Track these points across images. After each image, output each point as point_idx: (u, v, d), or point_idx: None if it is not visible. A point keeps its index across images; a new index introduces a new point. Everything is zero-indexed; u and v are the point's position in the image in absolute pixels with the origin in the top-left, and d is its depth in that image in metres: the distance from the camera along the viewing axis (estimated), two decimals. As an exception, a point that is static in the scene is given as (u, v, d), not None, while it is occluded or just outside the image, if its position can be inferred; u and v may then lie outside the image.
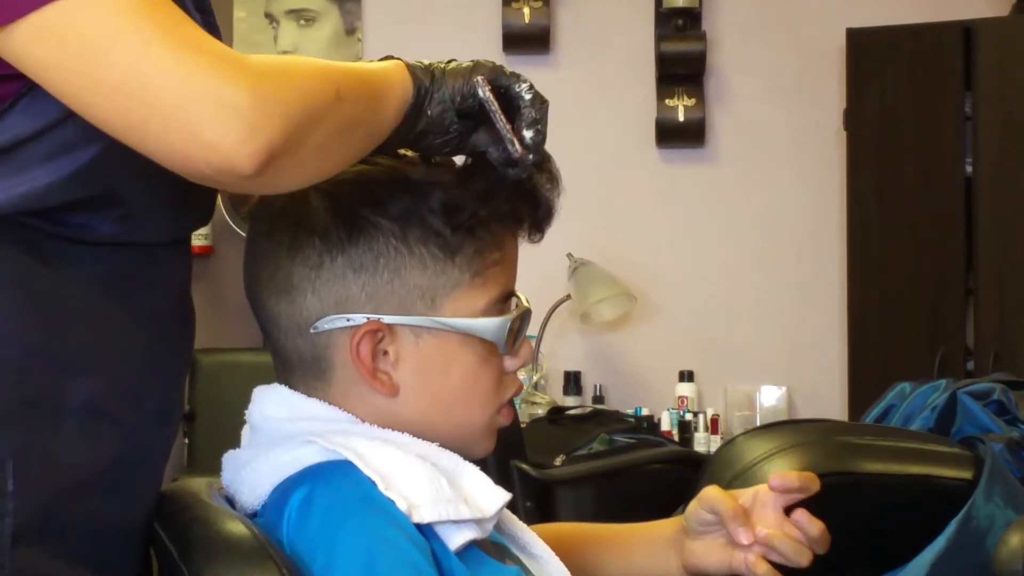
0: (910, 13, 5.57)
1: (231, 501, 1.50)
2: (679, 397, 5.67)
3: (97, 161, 1.31)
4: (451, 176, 1.47)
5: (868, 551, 2.49)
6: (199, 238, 5.58)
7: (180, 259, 1.48)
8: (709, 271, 5.89)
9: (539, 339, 5.57)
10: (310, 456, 1.42)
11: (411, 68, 1.40)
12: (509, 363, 1.53)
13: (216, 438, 4.79)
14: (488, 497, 1.44)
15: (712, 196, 5.90)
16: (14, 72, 1.24)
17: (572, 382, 5.75)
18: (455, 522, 1.39)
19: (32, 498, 1.30)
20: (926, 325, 5.37)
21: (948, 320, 5.35)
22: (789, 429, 2.58)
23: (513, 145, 1.42)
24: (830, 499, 2.45)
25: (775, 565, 1.63)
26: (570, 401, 5.61)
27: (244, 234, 1.57)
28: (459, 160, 1.50)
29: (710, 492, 1.66)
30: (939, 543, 2.42)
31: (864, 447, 2.54)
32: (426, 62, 1.42)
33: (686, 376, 5.72)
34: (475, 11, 5.87)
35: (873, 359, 5.43)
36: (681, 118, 5.85)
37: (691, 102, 5.84)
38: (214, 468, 1.55)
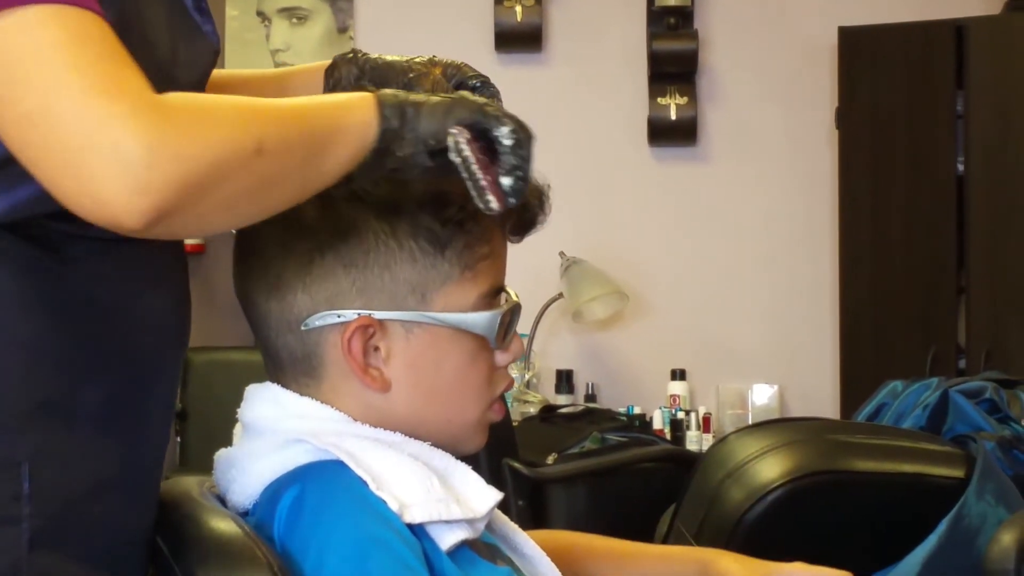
0: (902, 12, 5.58)
1: (223, 500, 1.50)
2: (671, 395, 5.67)
3: None
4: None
5: (860, 549, 2.50)
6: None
7: (177, 258, 1.49)
8: (701, 269, 5.89)
9: (531, 337, 5.57)
10: (302, 455, 1.42)
11: (380, 107, 1.33)
12: (500, 358, 1.53)
13: (208, 437, 4.78)
14: (480, 497, 1.44)
15: (704, 195, 5.90)
16: None
17: (564, 380, 5.75)
18: (446, 522, 1.39)
19: (48, 501, 1.30)
20: (918, 323, 5.37)
21: (940, 318, 5.36)
22: (781, 427, 2.59)
23: (485, 199, 1.35)
24: (821, 498, 2.46)
25: None
26: (562, 399, 5.61)
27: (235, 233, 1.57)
28: None
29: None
30: (931, 541, 2.42)
31: (856, 445, 2.54)
32: (402, 95, 1.35)
33: (678, 374, 5.72)
34: (467, 9, 5.87)
35: (865, 357, 5.44)
36: (673, 116, 5.84)
37: (683, 100, 5.84)
38: (206, 467, 1.55)
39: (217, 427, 1.65)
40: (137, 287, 1.40)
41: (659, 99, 5.85)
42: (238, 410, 1.54)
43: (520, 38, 5.84)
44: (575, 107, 5.86)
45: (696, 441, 5.40)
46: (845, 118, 5.53)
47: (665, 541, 2.61)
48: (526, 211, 1.53)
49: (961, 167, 5.31)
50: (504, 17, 5.81)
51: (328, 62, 1.66)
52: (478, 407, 1.53)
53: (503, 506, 1.53)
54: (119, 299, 1.38)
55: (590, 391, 5.76)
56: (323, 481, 1.39)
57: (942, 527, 2.42)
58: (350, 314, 1.45)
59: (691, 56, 5.81)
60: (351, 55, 1.61)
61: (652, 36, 5.82)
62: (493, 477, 3.49)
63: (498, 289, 1.52)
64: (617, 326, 5.87)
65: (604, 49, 5.91)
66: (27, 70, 1.15)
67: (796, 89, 5.86)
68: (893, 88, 5.44)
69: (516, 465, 3.63)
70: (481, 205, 1.36)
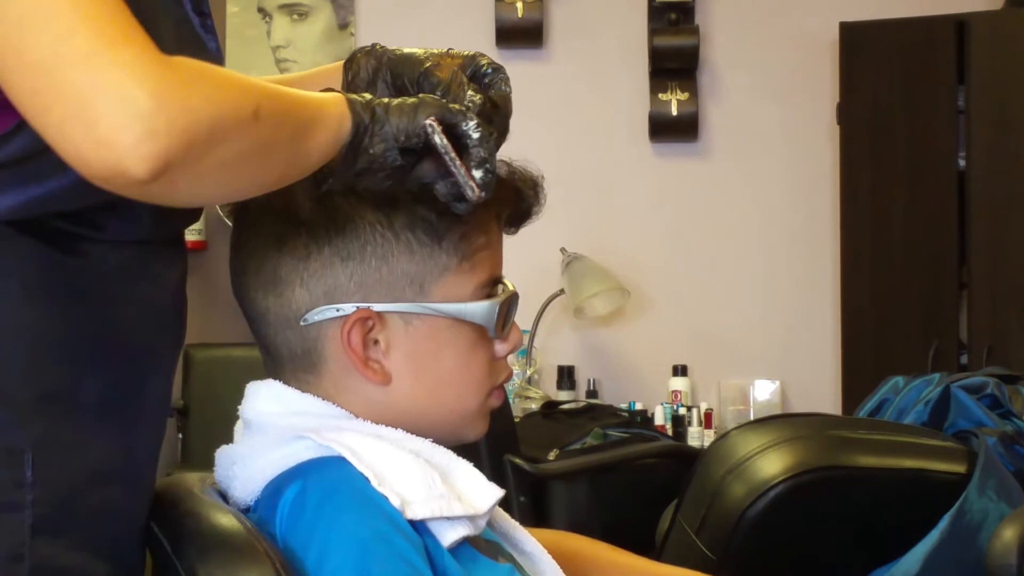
0: (903, 7, 5.58)
1: (224, 496, 1.50)
2: (672, 391, 5.66)
3: None
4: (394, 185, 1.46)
5: (862, 545, 2.50)
6: (192, 233, 5.58)
7: (178, 255, 1.49)
8: (703, 265, 5.89)
9: (532, 334, 5.57)
10: (303, 452, 1.42)
11: (351, 103, 1.35)
12: (499, 348, 1.53)
13: (209, 433, 4.79)
14: (481, 494, 1.44)
15: (705, 190, 5.90)
16: None
17: (566, 377, 5.75)
18: (448, 519, 1.39)
19: (50, 489, 1.32)
20: (919, 319, 5.37)
21: (941, 314, 5.36)
22: (782, 423, 2.59)
23: (472, 190, 1.37)
24: (823, 493, 2.46)
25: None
26: (564, 396, 5.61)
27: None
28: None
29: None
30: (932, 537, 2.42)
31: (857, 441, 2.54)
32: (367, 97, 1.37)
33: (679, 370, 5.71)
34: (468, 5, 5.87)
35: (866, 353, 5.44)
36: (674, 112, 5.84)
37: (684, 96, 5.84)
38: (207, 463, 1.55)
39: (218, 423, 1.66)
40: (139, 284, 1.41)
41: (660, 95, 5.85)
42: (239, 407, 1.54)
43: (521, 34, 5.84)
44: (576, 103, 5.86)
45: (698, 437, 5.40)
46: (846, 113, 5.53)
47: (667, 537, 2.62)
48: (522, 202, 1.53)
49: (962, 162, 5.31)
50: (505, 13, 5.81)
51: (339, 62, 1.66)
52: (478, 397, 1.53)
53: (504, 503, 1.53)
54: (121, 295, 1.39)
55: (591, 387, 5.77)
56: (325, 477, 1.39)
57: (944, 523, 2.42)
58: (349, 307, 1.45)
59: (692, 52, 5.81)
60: (370, 48, 1.62)
61: (653, 32, 5.82)
62: (495, 473, 3.49)
63: (496, 279, 1.52)
64: (618, 322, 5.87)
65: (605, 45, 5.91)
66: (38, 19, 1.16)
67: (797, 84, 5.86)
68: (894, 83, 5.44)
69: (518, 461, 3.64)
70: (467, 193, 1.38)
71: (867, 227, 5.48)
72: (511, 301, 1.53)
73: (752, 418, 4.93)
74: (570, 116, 5.81)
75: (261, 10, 5.98)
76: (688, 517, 2.53)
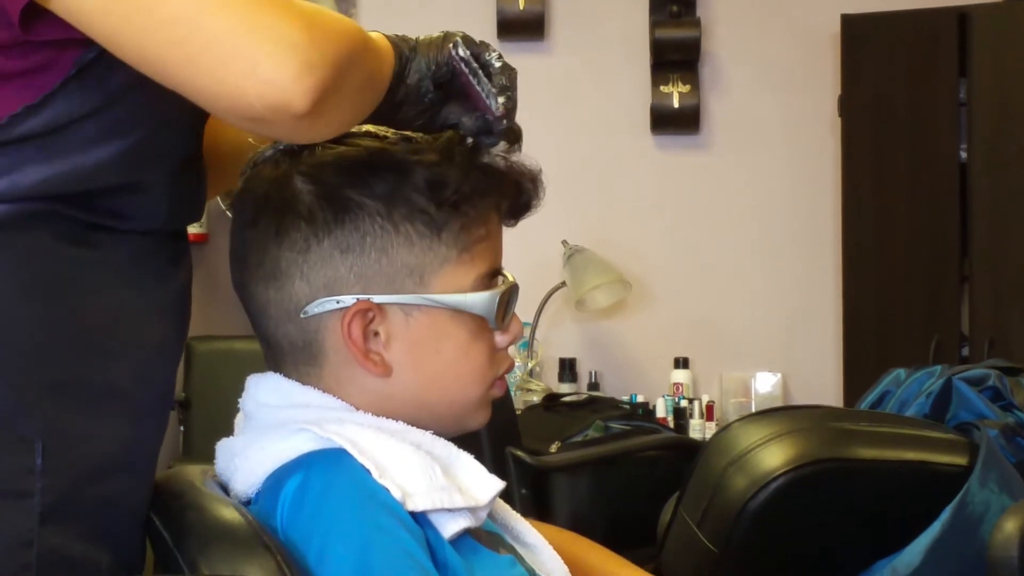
0: (905, -1, 5.58)
1: (225, 488, 1.50)
2: (674, 384, 5.67)
3: (129, 151, 1.34)
4: (433, 154, 1.47)
5: (863, 537, 2.50)
6: (193, 226, 5.56)
7: (182, 251, 1.51)
8: (704, 258, 5.89)
9: (534, 326, 5.56)
10: (304, 444, 1.42)
11: (390, 39, 1.42)
12: (500, 339, 1.53)
13: (211, 425, 4.78)
14: (482, 485, 1.44)
15: (707, 183, 5.89)
16: (67, 38, 1.26)
17: (567, 369, 5.75)
18: (449, 510, 1.39)
19: (59, 477, 1.33)
20: (921, 312, 5.37)
21: (943, 306, 5.36)
22: (784, 416, 2.58)
23: (495, 100, 1.44)
24: (825, 485, 2.46)
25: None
26: (565, 388, 5.61)
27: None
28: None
29: None
30: (934, 529, 2.42)
31: (859, 433, 2.54)
32: (404, 36, 1.44)
33: (681, 363, 5.72)
34: (470, -3, 5.87)
35: (868, 345, 5.44)
36: (676, 105, 5.84)
37: (686, 89, 5.84)
38: (209, 455, 1.55)
39: (220, 416, 1.66)
40: (147, 277, 1.42)
41: (662, 87, 5.84)
42: (240, 399, 1.54)
43: (523, 26, 5.83)
44: (577, 95, 5.86)
45: (699, 429, 5.40)
46: (848, 106, 5.52)
47: (668, 530, 2.62)
48: (521, 194, 1.53)
49: (964, 155, 5.30)
50: (506, 5, 5.80)
51: None
52: (480, 388, 1.53)
53: (506, 495, 1.53)
54: (130, 287, 1.40)
55: (593, 379, 5.77)
56: (326, 469, 1.39)
57: (945, 515, 2.42)
58: (349, 299, 1.46)
59: (694, 44, 5.80)
60: None
61: (655, 24, 5.81)
62: (496, 465, 3.49)
63: (496, 271, 1.53)
64: (620, 314, 5.87)
65: (606, 37, 5.91)
66: None
67: (799, 77, 5.86)
68: (896, 75, 5.43)
69: (519, 453, 3.64)
70: (492, 105, 1.44)
71: (869, 219, 5.47)
72: (511, 292, 1.53)
73: (753, 410, 4.94)
74: (571, 108, 5.80)
75: (262, 2, 5.97)
76: (690, 509, 2.53)
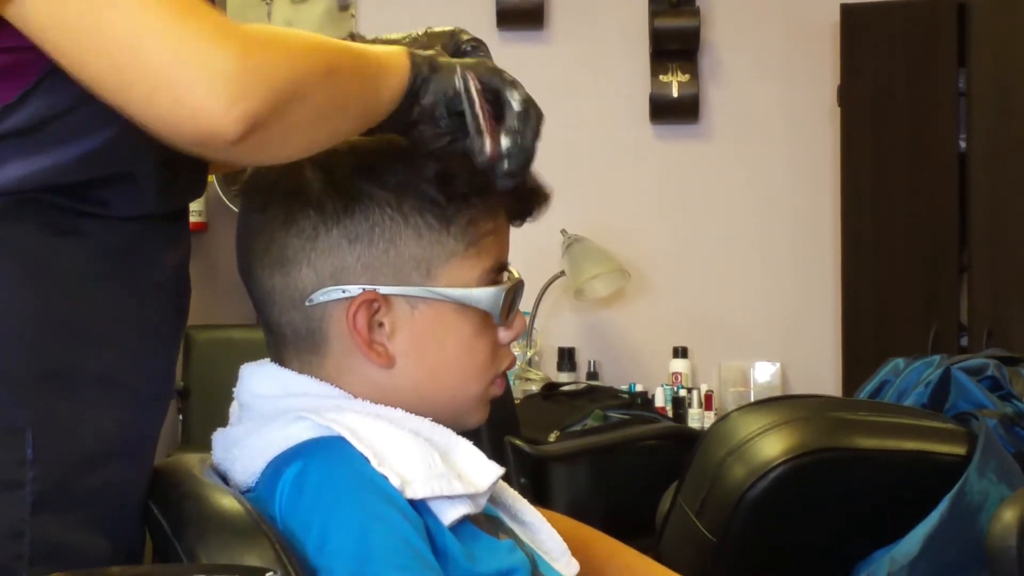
0: (904, -11, 5.57)
1: (224, 478, 1.50)
2: (673, 373, 5.67)
3: (114, 141, 1.33)
4: (444, 147, 1.47)
5: (862, 527, 2.50)
6: (193, 214, 5.57)
7: (180, 234, 1.50)
8: (703, 247, 5.89)
9: (533, 315, 5.57)
10: (303, 432, 1.42)
11: (412, 56, 1.39)
12: (503, 335, 1.53)
13: (210, 415, 4.78)
14: (481, 472, 1.44)
15: (706, 172, 5.89)
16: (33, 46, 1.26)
17: (566, 358, 5.75)
18: (448, 497, 1.39)
19: (51, 467, 1.33)
20: (920, 301, 5.37)
21: (942, 296, 5.36)
22: (783, 405, 2.59)
23: (481, 142, 1.40)
24: (824, 475, 2.46)
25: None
26: (564, 377, 5.62)
27: (238, 210, 1.57)
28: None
29: None
30: (933, 519, 2.43)
31: (858, 423, 2.54)
32: (431, 53, 1.42)
33: (680, 352, 5.72)
34: (469, -13, 5.86)
35: (867, 335, 5.44)
36: (675, 94, 5.84)
37: (685, 78, 5.84)
38: (208, 445, 1.55)
39: (219, 405, 1.66)
40: (139, 263, 1.42)
41: (661, 76, 5.84)
42: (234, 389, 1.54)
43: (522, 15, 5.83)
44: (577, 84, 5.85)
45: (698, 419, 5.40)
46: (847, 96, 5.52)
47: (667, 519, 2.62)
48: (527, 200, 1.53)
49: (963, 145, 5.30)
50: (506, -5, 5.80)
51: None
52: (481, 383, 1.53)
53: (505, 480, 1.53)
54: (121, 274, 1.40)
55: (592, 369, 5.77)
56: (325, 458, 1.39)
57: (944, 504, 2.43)
58: (355, 289, 1.45)
59: (693, 33, 5.80)
60: (348, 38, 1.63)
61: (654, 13, 5.81)
62: (495, 454, 3.48)
63: (502, 266, 1.52)
64: (619, 304, 5.87)
65: (606, 26, 5.90)
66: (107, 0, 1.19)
67: (798, 67, 5.86)
68: (895, 66, 5.43)
69: (518, 443, 3.64)
70: (475, 147, 1.40)
71: (868, 209, 5.47)
72: (517, 288, 1.53)
73: (752, 400, 4.94)
74: (571, 98, 5.80)
75: (262, -9, 5.97)
76: (688, 499, 2.54)
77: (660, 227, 5.88)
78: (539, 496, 3.62)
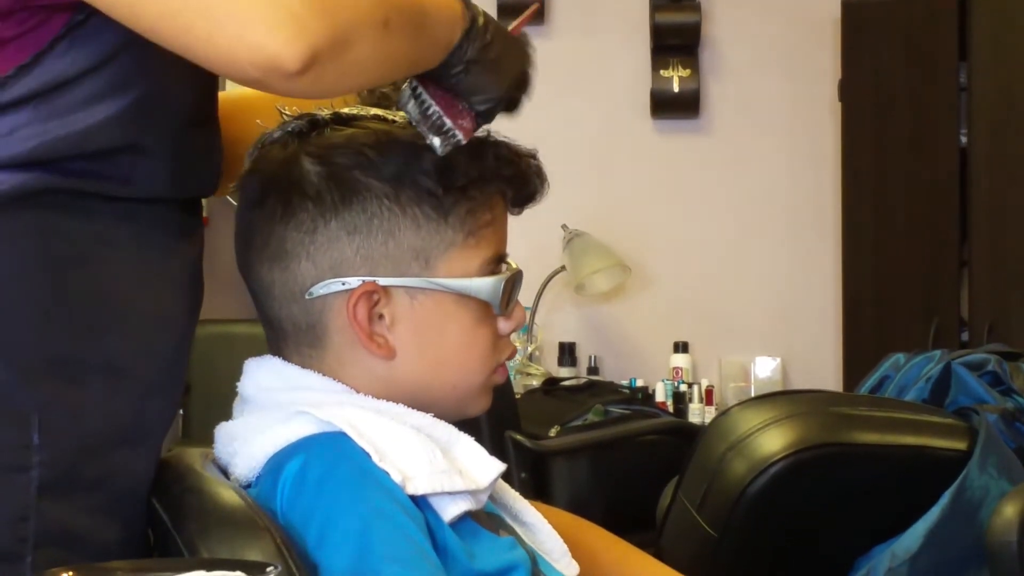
0: (905, -17, 5.57)
1: (225, 472, 1.50)
2: (673, 368, 5.67)
3: (127, 111, 1.35)
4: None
5: (862, 522, 2.50)
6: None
7: (193, 226, 1.50)
8: (704, 242, 5.88)
9: (533, 310, 5.56)
10: (304, 427, 1.42)
11: (467, 9, 1.42)
12: (503, 325, 1.54)
13: (211, 409, 4.78)
14: (482, 468, 1.44)
15: (707, 167, 5.89)
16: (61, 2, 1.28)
17: (567, 353, 5.75)
18: (449, 494, 1.39)
19: (57, 452, 1.34)
20: (920, 296, 5.37)
21: (943, 291, 5.36)
22: (783, 400, 2.59)
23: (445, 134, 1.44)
24: (824, 470, 2.46)
25: None
26: (565, 372, 5.62)
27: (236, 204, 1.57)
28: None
29: None
30: (933, 514, 2.42)
31: (858, 418, 2.54)
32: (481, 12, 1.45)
33: (681, 347, 5.72)
34: (469, -19, 5.85)
35: (867, 330, 5.43)
36: (676, 89, 5.83)
37: (686, 73, 5.83)
38: (209, 439, 1.55)
39: (220, 400, 1.66)
40: (151, 252, 1.42)
41: (662, 71, 5.84)
42: (238, 383, 1.54)
43: (522, 10, 5.80)
44: (578, 79, 5.85)
45: (699, 414, 5.40)
46: (848, 91, 5.52)
47: (668, 514, 2.62)
48: (527, 182, 1.53)
49: (964, 140, 5.30)
50: (506, -11, 5.80)
51: None
52: (482, 373, 1.53)
53: (505, 479, 1.53)
54: (132, 262, 1.40)
55: (593, 364, 5.77)
56: (326, 453, 1.39)
57: (944, 500, 2.43)
58: (354, 281, 1.46)
59: (694, 28, 5.80)
60: None
61: (655, 8, 5.81)
62: (496, 449, 3.49)
63: (500, 257, 1.53)
64: (619, 299, 5.87)
65: (606, 21, 5.90)
66: None
67: (799, 61, 5.85)
68: (896, 60, 5.43)
69: (519, 438, 3.64)
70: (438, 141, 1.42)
71: (868, 204, 5.47)
72: (516, 278, 1.53)
73: (753, 395, 4.94)
74: (572, 93, 5.79)
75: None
76: (689, 494, 2.53)
77: (661, 222, 5.88)
78: (540, 491, 3.62)
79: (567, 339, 5.80)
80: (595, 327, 5.91)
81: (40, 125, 1.31)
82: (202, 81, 1.44)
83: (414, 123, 1.42)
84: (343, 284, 1.46)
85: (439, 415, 1.49)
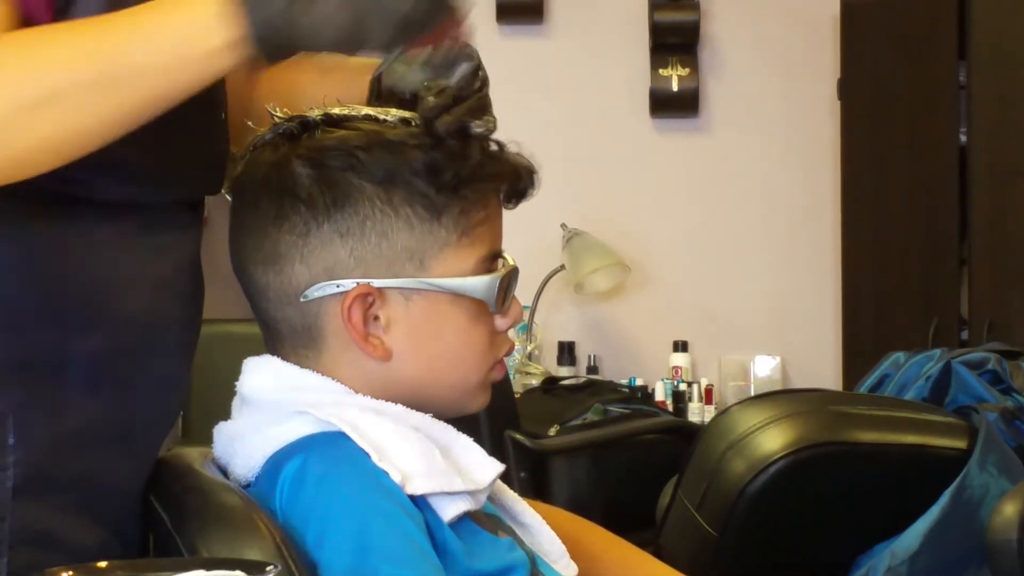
0: (905, -18, 5.57)
1: (224, 472, 1.50)
2: (673, 367, 5.66)
3: None
4: (431, 137, 1.46)
5: (862, 520, 2.50)
6: (192, 209, 5.57)
7: (188, 230, 1.51)
8: (703, 241, 5.88)
9: (533, 309, 5.56)
10: (304, 427, 1.42)
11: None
12: (500, 322, 1.53)
13: (210, 409, 4.77)
14: (481, 469, 1.44)
15: (706, 166, 5.89)
16: None
17: (566, 352, 5.75)
18: (448, 494, 1.39)
19: (33, 452, 1.33)
20: (920, 295, 5.37)
21: (942, 290, 5.35)
22: (783, 399, 2.59)
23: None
24: (824, 469, 2.46)
25: None
26: (564, 371, 5.62)
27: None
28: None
29: None
30: (933, 513, 2.43)
31: (858, 417, 2.54)
32: None
33: (680, 346, 5.71)
34: (468, -20, 5.85)
35: (867, 329, 5.43)
36: (675, 88, 5.83)
37: (685, 72, 5.83)
38: (208, 438, 1.55)
39: (219, 399, 1.66)
40: (135, 255, 1.41)
41: (661, 70, 5.83)
42: (237, 383, 1.54)
43: (521, 9, 5.82)
44: (577, 78, 5.84)
45: (698, 413, 5.40)
46: (847, 89, 5.52)
47: (667, 513, 2.62)
48: (520, 179, 1.53)
49: (963, 138, 5.29)
50: (505, -12, 5.79)
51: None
52: (480, 371, 1.53)
53: (505, 478, 1.53)
54: (114, 264, 1.39)
55: (592, 363, 5.77)
56: (325, 452, 1.39)
57: (944, 499, 2.43)
58: (349, 283, 1.45)
59: (693, 27, 5.80)
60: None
61: (654, 7, 5.80)
62: (495, 449, 3.49)
63: (496, 254, 1.52)
64: (619, 298, 5.86)
65: (606, 20, 5.90)
66: None
67: (798, 60, 5.85)
68: (895, 59, 5.43)
69: (518, 437, 3.64)
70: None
71: (868, 203, 5.47)
72: (511, 275, 1.53)
73: (752, 394, 4.94)
74: (571, 92, 5.79)
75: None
76: (689, 493, 2.54)
77: (660, 221, 5.88)
78: (539, 490, 3.62)
79: (566, 338, 5.80)
80: (594, 326, 5.90)
81: None
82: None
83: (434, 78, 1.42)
84: (337, 286, 1.46)
85: (438, 414, 1.48)
